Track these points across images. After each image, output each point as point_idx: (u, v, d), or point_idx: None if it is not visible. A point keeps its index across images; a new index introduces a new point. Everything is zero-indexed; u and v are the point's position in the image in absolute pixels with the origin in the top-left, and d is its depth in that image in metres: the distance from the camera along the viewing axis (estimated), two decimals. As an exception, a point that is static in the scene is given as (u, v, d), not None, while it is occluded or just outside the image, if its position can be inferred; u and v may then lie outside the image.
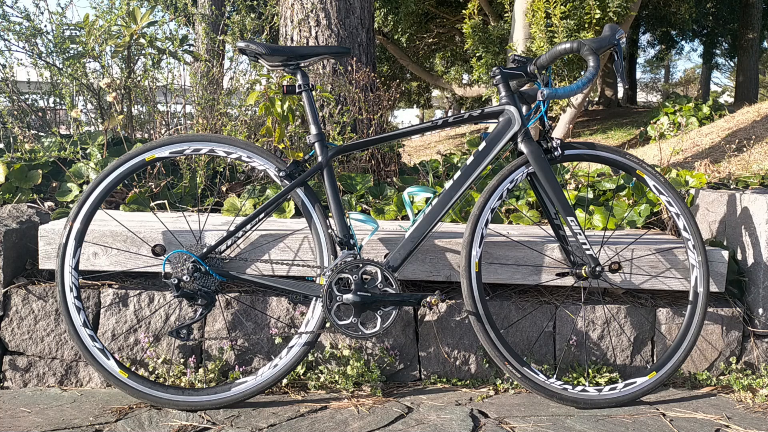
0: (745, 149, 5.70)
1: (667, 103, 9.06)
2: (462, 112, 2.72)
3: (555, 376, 2.03)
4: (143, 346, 2.07)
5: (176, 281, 1.81)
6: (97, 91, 3.05)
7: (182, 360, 2.08)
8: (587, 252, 1.95)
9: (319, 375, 2.07)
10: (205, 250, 1.86)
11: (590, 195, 2.71)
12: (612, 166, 2.11)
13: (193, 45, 3.96)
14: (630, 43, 17.02)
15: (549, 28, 5.63)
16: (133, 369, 2.02)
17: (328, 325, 1.92)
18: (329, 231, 1.93)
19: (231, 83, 3.17)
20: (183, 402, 1.85)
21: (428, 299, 1.82)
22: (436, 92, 18.31)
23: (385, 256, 2.02)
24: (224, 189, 2.75)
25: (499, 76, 1.98)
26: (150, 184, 2.60)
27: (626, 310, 2.18)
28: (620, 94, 18.47)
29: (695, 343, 2.03)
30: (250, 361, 2.11)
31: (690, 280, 2.06)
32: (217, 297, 1.95)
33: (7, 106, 3.05)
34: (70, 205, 2.47)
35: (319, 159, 1.92)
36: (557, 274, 2.08)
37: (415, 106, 18.66)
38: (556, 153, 1.99)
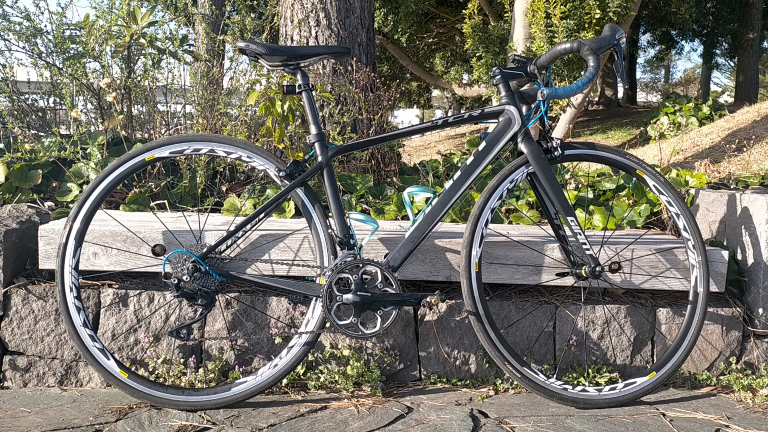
0: (745, 149, 5.70)
1: (667, 103, 9.07)
2: (462, 112, 2.72)
3: (555, 376, 2.03)
4: (143, 346, 2.07)
5: (176, 281, 1.81)
6: (97, 91, 3.05)
7: (182, 360, 2.08)
8: (587, 252, 1.95)
9: (319, 375, 2.07)
10: (205, 250, 1.86)
11: (590, 195, 2.71)
12: (612, 166, 2.11)
13: (193, 45, 3.96)
14: (630, 43, 17.02)
15: (549, 28, 5.63)
16: (133, 369, 2.02)
17: (328, 325, 1.92)
18: (329, 231, 1.93)
19: (231, 83, 3.17)
20: (183, 402, 1.85)
21: (428, 299, 1.82)
22: (436, 92, 18.31)
23: (385, 256, 2.02)
24: (224, 189, 2.75)
25: (499, 76, 1.98)
26: (150, 184, 2.60)
27: (626, 310, 2.18)
28: (620, 94, 18.48)
29: (695, 343, 2.03)
30: (250, 361, 2.11)
31: (690, 280, 2.06)
32: (217, 297, 1.95)
33: (7, 106, 3.05)
34: (70, 205, 2.47)
35: (319, 159, 1.92)
36: (557, 274, 2.08)
37: (415, 106, 18.66)
38: (556, 153, 1.99)
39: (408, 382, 2.15)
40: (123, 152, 2.60)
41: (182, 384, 2.02)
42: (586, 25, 5.62)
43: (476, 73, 6.91)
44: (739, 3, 14.27)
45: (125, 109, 3.01)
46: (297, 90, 1.96)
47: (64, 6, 3.12)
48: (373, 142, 1.99)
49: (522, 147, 1.97)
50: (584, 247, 1.95)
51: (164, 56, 3.06)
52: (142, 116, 3.14)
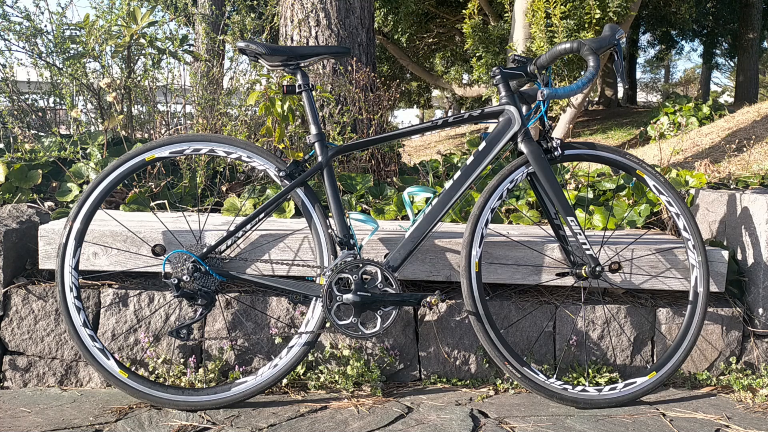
0: (745, 149, 5.70)
1: (667, 103, 9.07)
2: (462, 112, 2.72)
3: (555, 376, 2.03)
4: (143, 346, 2.07)
5: (176, 281, 1.81)
6: (97, 91, 3.05)
7: (182, 360, 2.08)
8: (587, 252, 1.95)
9: (319, 375, 2.07)
10: (205, 250, 1.86)
11: (590, 195, 2.71)
12: (612, 166, 2.11)
13: (193, 45, 3.96)
14: (630, 43, 17.02)
15: (549, 28, 5.63)
16: (133, 369, 2.02)
17: (328, 325, 1.92)
18: (329, 231, 1.93)
19: (231, 83, 3.17)
20: (183, 402, 1.85)
21: (428, 299, 1.82)
22: (436, 92, 18.32)
23: (385, 256, 2.02)
24: (224, 189, 2.75)
25: (499, 76, 1.98)
26: (150, 184, 2.60)
27: (626, 310, 2.18)
28: (620, 94, 18.48)
29: (695, 343, 2.03)
30: (250, 361, 2.11)
31: (690, 280, 2.06)
32: (217, 297, 1.95)
33: (7, 106, 3.05)
34: (70, 205, 2.47)
35: (319, 159, 1.92)
36: (557, 274, 2.08)
37: (415, 106, 18.67)
38: (556, 153, 1.99)
39: (408, 382, 2.15)
40: (123, 152, 2.60)
41: (182, 384, 2.02)
42: (586, 25, 5.61)
43: (476, 73, 6.91)
44: (739, 3, 14.27)
45: (125, 109, 3.01)
46: (297, 90, 1.96)
47: (64, 6, 3.12)
48: (373, 142, 1.99)
49: (522, 147, 1.97)
50: (584, 247, 1.95)
51: (164, 56, 3.06)
52: (142, 116, 3.14)
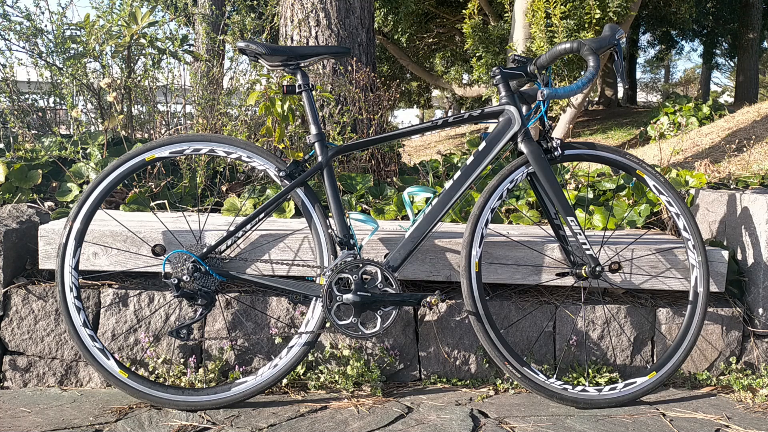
0: (745, 149, 5.70)
1: (667, 103, 9.07)
2: (462, 112, 2.72)
3: (555, 376, 2.03)
4: (143, 346, 2.07)
5: (176, 281, 1.81)
6: (97, 91, 3.05)
7: (182, 360, 2.08)
8: (587, 252, 1.95)
9: (319, 375, 2.07)
10: (205, 250, 1.86)
11: (590, 195, 2.71)
12: (612, 166, 2.11)
13: (193, 45, 3.96)
14: (630, 43, 17.03)
15: (549, 28, 5.63)
16: (133, 369, 2.02)
17: (328, 325, 1.92)
18: (329, 231, 1.93)
19: (231, 83, 3.17)
20: (183, 402, 1.85)
21: (428, 299, 1.82)
22: (436, 92, 18.31)
23: (385, 256, 2.02)
24: (224, 189, 2.75)
25: (499, 76, 1.98)
26: (150, 184, 2.60)
27: (626, 310, 2.18)
28: (620, 94, 18.48)
29: (695, 343, 2.03)
30: (250, 361, 2.11)
31: (690, 280, 2.06)
32: (217, 297, 1.95)
33: (7, 106, 3.05)
34: (70, 205, 2.47)
35: (319, 159, 1.92)
36: (557, 274, 2.08)
37: (415, 106, 18.66)
38: (556, 153, 1.99)
39: (408, 382, 2.15)
40: (123, 152, 2.60)
41: (182, 384, 2.02)
42: (586, 25, 5.62)
43: (476, 73, 6.92)
44: (739, 3, 14.27)
45: (125, 109, 3.01)
46: (297, 90, 1.96)
47: (64, 6, 3.12)
48: (373, 142, 1.99)
49: (522, 147, 1.97)
50: (584, 247, 1.95)
51: (164, 56, 3.06)
52: (142, 116, 3.14)
